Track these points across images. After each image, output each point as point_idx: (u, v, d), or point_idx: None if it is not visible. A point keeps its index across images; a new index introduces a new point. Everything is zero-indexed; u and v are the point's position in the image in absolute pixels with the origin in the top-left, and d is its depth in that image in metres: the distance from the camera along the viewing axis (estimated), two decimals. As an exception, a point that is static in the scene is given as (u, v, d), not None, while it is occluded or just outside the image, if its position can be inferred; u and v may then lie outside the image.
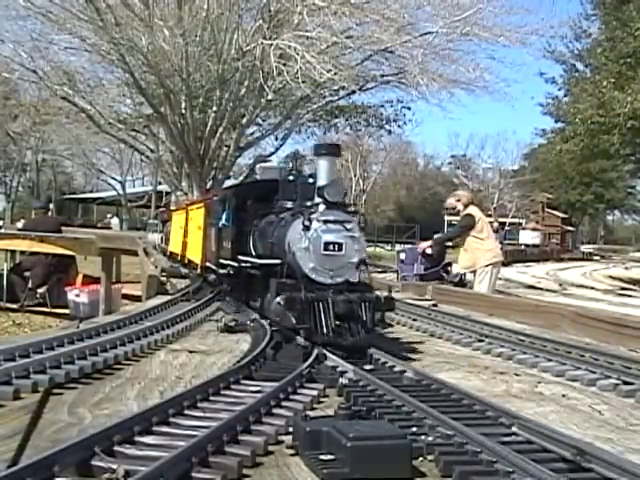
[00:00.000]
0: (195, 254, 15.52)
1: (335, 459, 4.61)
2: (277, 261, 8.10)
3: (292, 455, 4.78)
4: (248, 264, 9.62)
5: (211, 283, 14.53)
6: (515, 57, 56.27)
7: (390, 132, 34.42)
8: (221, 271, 11.58)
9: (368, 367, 6.85)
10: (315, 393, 6.63)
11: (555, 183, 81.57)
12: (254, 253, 9.90)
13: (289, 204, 9.36)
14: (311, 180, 8.69)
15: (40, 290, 20.29)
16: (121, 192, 57.61)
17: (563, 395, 6.02)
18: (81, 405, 5.70)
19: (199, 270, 14.90)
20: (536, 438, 4.66)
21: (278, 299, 7.03)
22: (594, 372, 6.95)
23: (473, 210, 13.82)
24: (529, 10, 26.13)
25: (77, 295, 18.21)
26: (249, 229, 10.22)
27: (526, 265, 48.17)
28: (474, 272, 13.60)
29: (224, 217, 11.58)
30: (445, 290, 12.96)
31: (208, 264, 13.96)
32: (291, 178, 9.77)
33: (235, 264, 10.29)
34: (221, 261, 11.48)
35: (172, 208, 25.88)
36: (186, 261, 17.65)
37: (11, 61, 26.09)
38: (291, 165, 10.33)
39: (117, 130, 26.99)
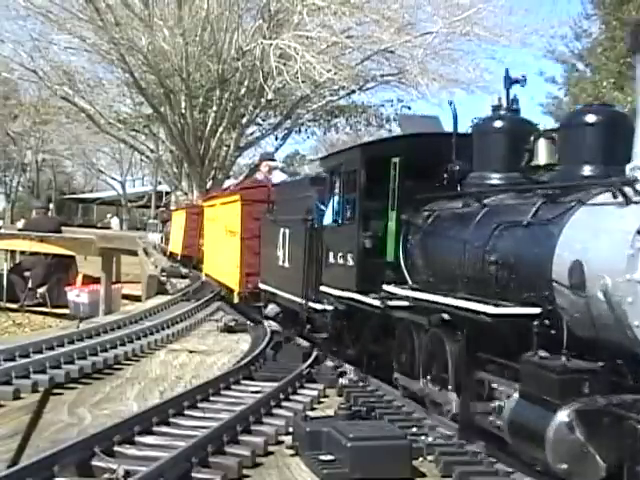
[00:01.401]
0: (226, 273, 10.79)
1: (335, 459, 4.62)
2: (532, 310, 3.76)
3: (292, 455, 4.79)
4: (421, 303, 5.33)
5: (262, 319, 9.84)
6: (515, 57, 56.26)
7: (390, 132, 34.46)
8: (316, 306, 7.30)
9: None
10: (315, 393, 6.63)
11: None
12: (409, 280, 5.90)
13: (494, 177, 5.36)
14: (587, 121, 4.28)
15: (40, 290, 20.30)
16: (121, 192, 57.61)
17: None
18: (81, 405, 5.70)
19: (236, 298, 10.52)
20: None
21: (566, 414, 2.94)
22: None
23: None
24: (529, 10, 26.17)
25: (77, 295, 18.20)
26: (396, 230, 6.05)
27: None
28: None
29: (332, 208, 6.99)
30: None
31: (263, 286, 9.41)
32: (499, 124, 5.42)
33: (366, 300, 6.03)
34: (323, 289, 7.13)
35: (172, 208, 25.90)
36: (203, 276, 14.01)
37: (11, 61, 26.10)
38: (498, 101, 5.57)
39: (117, 130, 26.98)
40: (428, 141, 6.41)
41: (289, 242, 8.22)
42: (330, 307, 7.04)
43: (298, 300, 7.81)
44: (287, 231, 8.27)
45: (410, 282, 5.94)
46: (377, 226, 6.34)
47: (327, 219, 7.19)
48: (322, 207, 7.34)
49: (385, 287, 5.95)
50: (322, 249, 7.27)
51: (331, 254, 6.99)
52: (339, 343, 7.39)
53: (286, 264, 8.29)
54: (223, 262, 11.17)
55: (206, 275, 13.64)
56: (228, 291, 11.41)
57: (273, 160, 15.52)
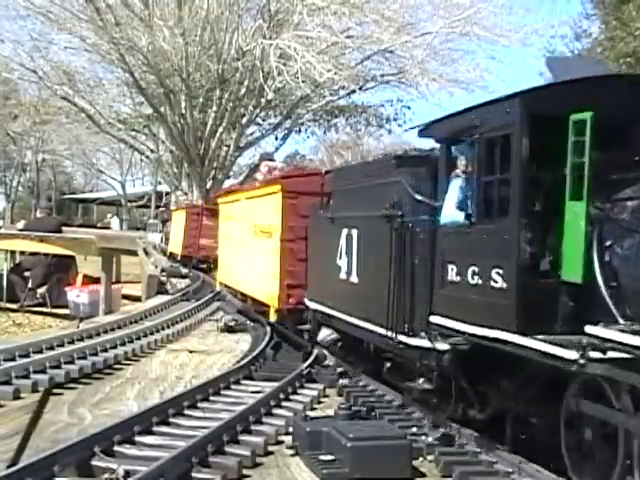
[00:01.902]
0: (257, 284, 8.80)
1: (335, 459, 4.61)
2: None
3: (292, 455, 4.78)
4: None
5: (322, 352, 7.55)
6: (515, 57, 56.30)
7: (390, 131, 34.62)
8: (414, 342, 5.21)
9: None
10: (315, 393, 6.62)
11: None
12: (616, 313, 3.80)
13: None
14: None
15: (40, 290, 20.30)
16: (121, 192, 57.63)
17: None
18: (81, 405, 5.70)
19: (272, 316, 8.34)
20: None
21: None
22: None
23: None
24: (529, 10, 26.22)
25: (77, 295, 18.18)
26: (584, 231, 3.88)
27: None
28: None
29: (459, 197, 4.97)
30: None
31: (313, 304, 7.30)
32: None
33: (543, 348, 3.81)
34: (437, 320, 5.02)
35: (172, 208, 25.90)
36: (217, 285, 11.62)
37: (11, 61, 26.12)
38: None
39: (117, 130, 27.00)
40: (625, 89, 4.17)
41: (359, 247, 6.19)
42: (444, 346, 4.89)
43: (377, 330, 5.73)
44: (355, 232, 6.28)
45: (619, 318, 3.73)
46: (547, 225, 4.12)
47: (447, 215, 5.06)
48: (419, 197, 5.39)
49: (590, 329, 3.71)
50: (433, 260, 5.16)
51: (453, 268, 4.81)
52: (447, 397, 5.27)
53: (353, 278, 6.30)
54: (251, 270, 8.78)
55: (222, 285, 11.06)
56: (257, 305, 9.00)
57: (272, 160, 15.00)
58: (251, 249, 8.79)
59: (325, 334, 7.12)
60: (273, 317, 8.13)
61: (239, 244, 9.50)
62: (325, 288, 6.98)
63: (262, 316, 8.66)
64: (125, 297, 19.10)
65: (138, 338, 8.85)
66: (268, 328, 9.29)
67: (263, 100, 24.62)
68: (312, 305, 7.18)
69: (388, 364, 6.06)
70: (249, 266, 8.98)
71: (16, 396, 5.91)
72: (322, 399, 6.54)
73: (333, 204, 7.14)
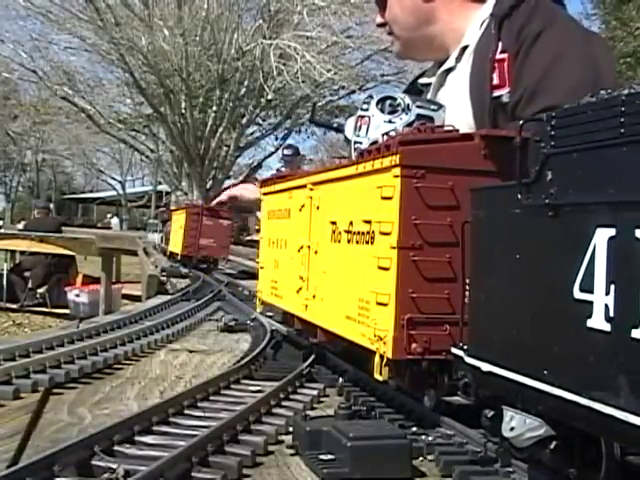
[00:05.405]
0: (341, 312, 3.77)
1: (335, 459, 4.60)
2: None
3: (292, 455, 4.78)
4: None
5: None
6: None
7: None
8: None
9: None
10: (315, 393, 6.62)
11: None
12: None
13: None
14: None
15: (40, 290, 20.28)
16: (121, 192, 57.76)
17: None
18: (81, 405, 5.70)
19: (381, 371, 3.46)
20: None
21: None
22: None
23: None
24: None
25: (77, 295, 18.18)
26: None
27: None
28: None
29: None
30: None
31: (486, 365, 2.27)
32: None
33: None
34: None
35: (172, 208, 25.90)
36: (258, 307, 7.12)
37: (11, 61, 26.18)
38: None
39: (117, 130, 27.02)
40: None
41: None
42: None
43: None
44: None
45: None
46: None
47: None
48: None
49: None
50: None
51: None
52: None
53: (603, 323, 1.89)
54: (330, 291, 5.05)
55: (265, 306, 7.52)
56: (337, 342, 5.54)
57: (299, 154, 13.19)
58: (328, 260, 4.98)
59: (521, 425, 2.41)
60: (383, 373, 4.22)
61: (302, 253, 5.63)
62: (525, 337, 2.36)
63: (356, 368, 4.86)
64: (125, 297, 19.09)
65: (138, 338, 8.82)
66: (268, 328, 9.29)
67: (263, 100, 24.65)
68: (482, 365, 2.66)
69: None
70: (326, 285, 5.08)
71: (16, 396, 5.90)
72: (322, 398, 6.55)
73: (556, 180, 2.14)
